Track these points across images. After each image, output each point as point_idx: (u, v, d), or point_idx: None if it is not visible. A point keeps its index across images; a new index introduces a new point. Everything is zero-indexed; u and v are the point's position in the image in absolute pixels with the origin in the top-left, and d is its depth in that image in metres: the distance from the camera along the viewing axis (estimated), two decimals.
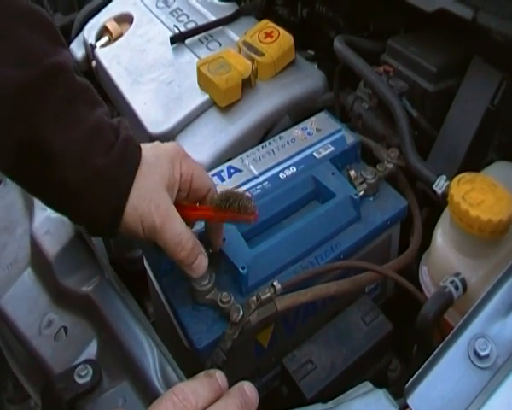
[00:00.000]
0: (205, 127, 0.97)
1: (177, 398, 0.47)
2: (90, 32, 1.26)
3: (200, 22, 1.16)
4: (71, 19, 1.38)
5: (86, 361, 0.65)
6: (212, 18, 1.17)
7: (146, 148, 0.68)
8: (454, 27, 0.84)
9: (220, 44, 1.11)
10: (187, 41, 1.12)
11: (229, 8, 1.19)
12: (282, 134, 0.90)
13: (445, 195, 0.74)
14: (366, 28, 1.08)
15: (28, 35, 0.61)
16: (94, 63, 1.22)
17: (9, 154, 0.61)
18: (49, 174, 0.62)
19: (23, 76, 0.59)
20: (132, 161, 0.66)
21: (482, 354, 0.48)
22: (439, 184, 0.76)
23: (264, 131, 0.98)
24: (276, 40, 1.03)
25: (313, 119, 0.92)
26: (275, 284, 0.68)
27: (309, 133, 0.89)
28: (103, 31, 1.26)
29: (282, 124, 0.97)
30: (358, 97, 0.96)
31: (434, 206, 0.81)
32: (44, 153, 0.61)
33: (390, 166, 0.84)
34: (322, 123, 0.91)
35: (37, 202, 0.86)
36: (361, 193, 0.80)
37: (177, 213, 0.66)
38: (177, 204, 0.68)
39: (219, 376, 0.51)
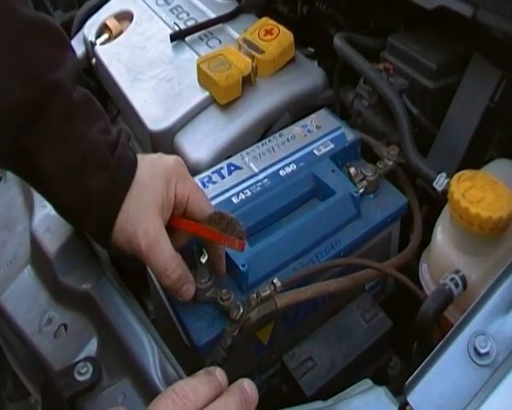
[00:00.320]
0: (205, 125, 0.97)
1: (177, 396, 0.47)
2: (90, 29, 1.26)
3: (200, 20, 1.16)
4: (71, 16, 1.38)
5: (86, 359, 0.65)
6: (212, 15, 1.17)
7: (143, 164, 0.67)
8: (454, 25, 0.83)
9: (220, 42, 1.11)
10: (187, 38, 1.12)
11: (229, 6, 1.19)
12: (282, 131, 0.90)
13: (445, 192, 0.74)
14: (366, 25, 1.08)
15: (33, 48, 0.62)
16: (94, 61, 1.22)
17: (9, 164, 0.64)
18: (43, 188, 0.65)
19: (22, 93, 0.60)
20: (123, 182, 0.65)
21: (482, 351, 0.48)
22: (439, 182, 0.76)
23: (264, 129, 0.98)
24: (276, 37, 1.03)
25: (313, 116, 0.92)
26: (275, 281, 0.68)
27: (309, 131, 0.89)
28: (103, 28, 1.25)
29: (282, 121, 0.97)
30: (358, 95, 0.96)
31: (434, 203, 0.81)
32: (38, 168, 0.62)
33: (390, 163, 0.84)
34: (322, 120, 0.91)
35: (37, 200, 0.86)
36: (361, 190, 0.80)
37: (167, 240, 0.65)
38: None
39: (219, 373, 0.51)
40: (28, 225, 0.84)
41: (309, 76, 1.03)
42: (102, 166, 0.64)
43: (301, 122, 0.91)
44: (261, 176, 0.83)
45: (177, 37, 1.12)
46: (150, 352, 0.66)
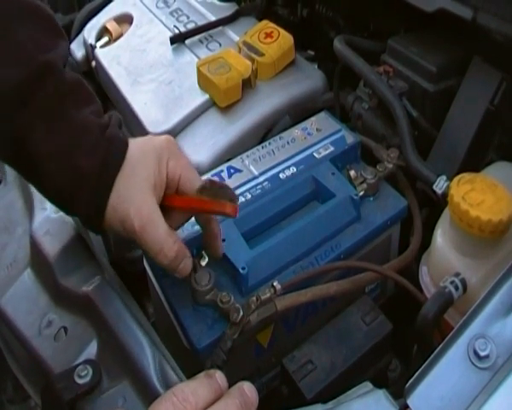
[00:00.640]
0: (205, 127, 0.97)
1: (177, 398, 0.47)
2: (90, 32, 1.26)
3: (200, 22, 1.16)
4: (71, 19, 1.38)
5: (86, 361, 0.65)
6: (212, 18, 1.17)
7: (134, 145, 0.67)
8: (454, 27, 0.84)
9: (220, 45, 1.11)
10: (187, 41, 1.12)
11: (229, 9, 1.19)
12: (282, 134, 0.90)
13: (445, 195, 0.74)
14: (366, 28, 1.08)
15: (24, 31, 0.62)
16: (94, 63, 1.22)
17: (3, 146, 0.63)
18: (34, 171, 0.63)
19: (13, 75, 0.60)
20: (114, 161, 0.64)
21: (482, 354, 0.48)
22: (439, 185, 0.76)
23: (264, 132, 0.98)
24: (276, 40, 1.03)
25: (313, 119, 0.92)
26: (275, 284, 0.68)
27: (309, 133, 0.89)
28: (103, 31, 1.26)
29: (282, 124, 0.97)
30: (358, 97, 0.96)
31: (434, 206, 0.81)
32: (30, 149, 0.61)
33: (390, 166, 0.84)
34: (322, 123, 0.91)
35: (37, 203, 0.86)
36: (361, 193, 0.80)
37: (161, 218, 0.64)
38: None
39: (219, 376, 0.51)
40: (28, 227, 0.84)
41: (309, 79, 1.03)
42: (94, 146, 0.63)
43: (301, 125, 0.91)
44: (261, 179, 0.83)
45: (177, 39, 1.12)
46: (150, 355, 0.65)
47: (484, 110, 0.82)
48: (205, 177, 0.83)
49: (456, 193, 0.65)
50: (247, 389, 0.50)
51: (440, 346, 0.50)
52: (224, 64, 0.99)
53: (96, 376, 0.64)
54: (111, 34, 1.23)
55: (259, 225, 0.79)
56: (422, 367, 0.49)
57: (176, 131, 0.98)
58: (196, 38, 1.13)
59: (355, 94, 0.97)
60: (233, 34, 1.13)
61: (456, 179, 0.68)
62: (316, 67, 1.09)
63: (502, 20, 0.74)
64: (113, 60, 1.15)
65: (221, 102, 0.97)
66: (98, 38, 1.24)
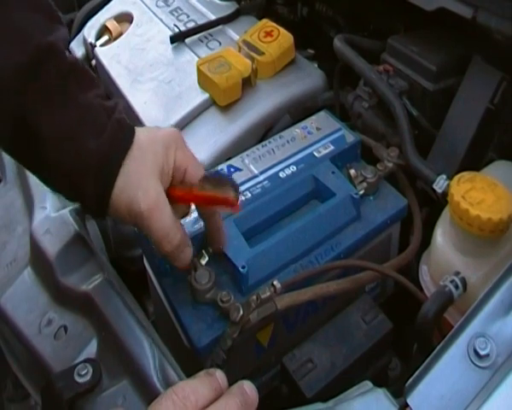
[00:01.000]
0: (205, 126, 0.97)
1: (178, 397, 0.46)
2: (89, 31, 1.26)
3: (200, 21, 1.16)
4: (71, 18, 1.38)
5: (86, 360, 0.65)
6: (212, 17, 1.17)
7: (141, 131, 0.66)
8: (454, 26, 0.84)
9: (220, 43, 1.11)
10: (187, 40, 1.12)
11: (229, 8, 1.19)
12: (281, 133, 0.90)
13: (445, 194, 0.74)
14: (366, 27, 1.08)
15: (24, 15, 0.61)
16: (94, 62, 1.22)
17: (5, 132, 0.62)
18: (40, 154, 0.62)
19: (15, 57, 0.59)
20: (123, 144, 0.64)
21: (482, 353, 0.48)
22: (439, 184, 0.76)
23: (264, 131, 0.98)
24: (276, 39, 1.03)
25: (313, 118, 0.92)
26: (275, 283, 0.68)
27: (309, 132, 0.89)
28: (103, 30, 1.26)
29: (282, 123, 0.97)
30: (358, 96, 0.96)
31: (434, 205, 0.81)
32: (34, 133, 0.61)
33: (390, 165, 0.84)
34: (322, 122, 0.91)
35: (37, 202, 0.86)
36: (361, 192, 0.80)
37: (168, 204, 0.64)
38: None
39: (219, 375, 0.51)
40: (28, 226, 0.84)
41: (309, 78, 1.03)
42: (100, 128, 0.63)
43: (301, 124, 0.91)
44: (261, 178, 0.83)
45: (177, 38, 1.12)
46: (150, 353, 0.65)
47: (484, 109, 0.82)
48: None
49: (456, 192, 0.65)
50: (248, 387, 0.50)
51: (440, 345, 0.50)
52: (224, 63, 0.99)
53: (96, 375, 0.64)
54: (111, 33, 1.23)
55: (259, 223, 0.79)
56: (422, 366, 0.49)
57: None
58: (196, 36, 1.13)
59: (355, 93, 0.97)
60: (233, 33, 1.13)
61: (456, 178, 0.68)
62: (316, 65, 1.09)
63: (502, 19, 0.74)
64: (113, 59, 1.15)
65: (221, 101, 0.97)
66: (98, 37, 1.24)
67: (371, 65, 0.91)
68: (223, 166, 0.85)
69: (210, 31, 1.14)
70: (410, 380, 0.49)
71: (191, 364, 0.68)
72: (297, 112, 0.98)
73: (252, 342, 0.74)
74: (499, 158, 0.82)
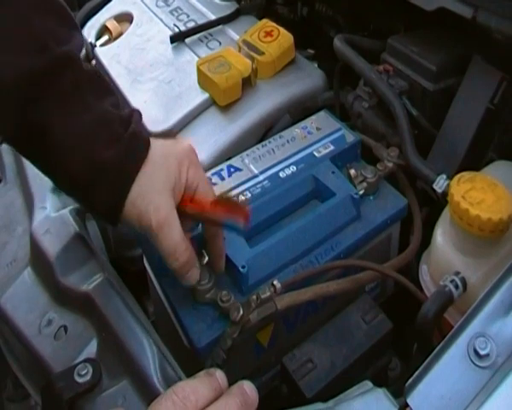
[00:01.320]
0: (205, 126, 0.97)
1: (178, 397, 0.46)
2: (89, 30, 1.26)
3: (200, 21, 1.16)
4: None
5: (86, 360, 0.65)
6: (212, 17, 1.17)
7: (156, 145, 0.67)
8: (454, 26, 0.84)
9: (220, 43, 1.11)
10: (187, 40, 1.12)
11: (229, 7, 1.19)
12: (281, 133, 0.90)
13: (445, 194, 0.74)
14: (366, 27, 1.08)
15: (41, 21, 0.62)
16: (94, 62, 1.22)
17: (19, 136, 0.62)
18: (53, 161, 0.63)
19: (33, 64, 0.59)
20: (137, 156, 0.64)
21: (482, 353, 0.48)
22: (439, 183, 0.76)
23: (264, 130, 0.98)
24: (276, 39, 1.03)
25: (313, 118, 0.92)
26: (275, 283, 0.68)
27: (309, 132, 0.89)
28: (103, 30, 1.26)
29: (282, 123, 0.97)
30: (358, 96, 0.96)
31: (434, 205, 0.81)
32: (49, 139, 0.61)
33: (390, 165, 0.84)
34: (322, 122, 0.91)
35: (37, 202, 0.86)
36: (361, 192, 0.80)
37: (178, 221, 0.64)
38: None
39: (219, 375, 0.51)
40: (28, 226, 0.84)
41: (309, 78, 1.03)
42: (116, 138, 0.63)
43: (301, 124, 0.91)
44: (261, 177, 0.83)
45: (177, 38, 1.12)
46: (150, 354, 0.66)
47: (484, 109, 0.82)
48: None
49: (456, 192, 0.65)
50: (248, 387, 0.50)
51: (440, 345, 0.50)
52: (224, 63, 0.99)
53: (96, 375, 0.64)
54: (111, 33, 1.23)
55: (259, 223, 0.78)
56: (422, 366, 0.49)
57: (176, 130, 0.98)
58: (196, 36, 1.13)
59: (355, 93, 0.97)
60: (233, 33, 1.13)
61: (456, 178, 0.68)
62: (316, 65, 1.09)
63: (502, 19, 0.74)
64: (113, 58, 1.15)
65: (221, 100, 0.97)
66: (98, 37, 1.24)
67: (371, 65, 0.91)
68: (223, 166, 0.85)
69: (210, 31, 1.14)
70: (410, 380, 0.49)
71: (191, 364, 0.68)
72: (297, 112, 0.98)
73: (252, 342, 0.74)
74: (499, 158, 0.82)
